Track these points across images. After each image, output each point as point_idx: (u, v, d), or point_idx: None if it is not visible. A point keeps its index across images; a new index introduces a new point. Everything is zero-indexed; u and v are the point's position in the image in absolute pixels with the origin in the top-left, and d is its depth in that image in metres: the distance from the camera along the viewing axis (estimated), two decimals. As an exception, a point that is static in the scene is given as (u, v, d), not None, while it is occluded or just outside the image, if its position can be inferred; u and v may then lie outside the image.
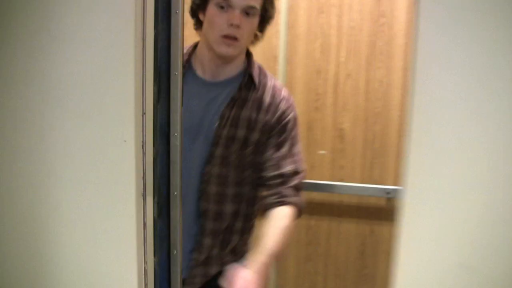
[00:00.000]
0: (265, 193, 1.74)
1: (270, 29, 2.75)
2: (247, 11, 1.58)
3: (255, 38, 1.75)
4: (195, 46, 1.77)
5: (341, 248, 2.85)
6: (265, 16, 1.67)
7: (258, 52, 2.79)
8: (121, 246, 1.24)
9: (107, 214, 1.25)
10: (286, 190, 1.72)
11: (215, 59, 1.69)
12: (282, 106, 1.73)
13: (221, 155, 1.68)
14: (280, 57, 2.79)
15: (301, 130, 2.80)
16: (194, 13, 1.69)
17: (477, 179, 1.05)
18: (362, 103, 2.71)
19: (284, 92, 1.77)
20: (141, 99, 1.20)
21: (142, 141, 1.22)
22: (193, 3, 1.67)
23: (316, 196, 2.84)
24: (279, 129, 1.72)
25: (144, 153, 1.22)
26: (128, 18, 1.16)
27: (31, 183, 1.28)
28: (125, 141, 1.20)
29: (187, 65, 1.71)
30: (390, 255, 2.46)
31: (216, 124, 1.67)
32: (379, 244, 2.76)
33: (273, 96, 1.73)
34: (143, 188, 1.24)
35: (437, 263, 1.09)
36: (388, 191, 2.67)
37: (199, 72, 1.71)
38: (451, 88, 1.04)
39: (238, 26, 1.57)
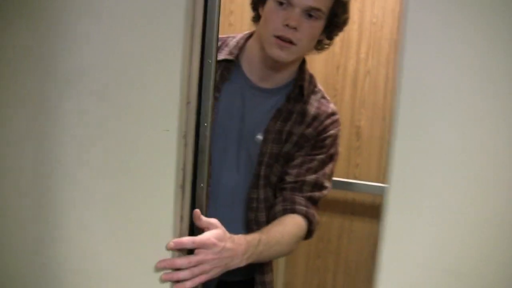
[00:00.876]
0: (277, 199, 1.53)
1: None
2: (309, 13, 1.38)
3: (319, 45, 1.55)
4: (247, 38, 1.56)
5: (352, 246, 2.81)
6: (334, 21, 1.46)
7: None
8: (157, 240, 1.20)
9: (144, 205, 1.20)
10: (299, 198, 1.49)
11: (266, 61, 1.48)
12: (326, 121, 1.54)
13: (264, 175, 1.51)
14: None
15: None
16: (255, 5, 1.51)
17: (469, 180, 1.00)
18: (380, 101, 2.67)
19: (331, 108, 1.58)
20: (187, 87, 1.16)
21: (185, 131, 1.17)
22: None
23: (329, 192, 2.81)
24: (315, 142, 1.53)
25: (186, 144, 1.18)
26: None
27: (64, 168, 1.23)
28: (168, 130, 1.15)
29: (236, 60, 1.51)
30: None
31: (261, 140, 1.50)
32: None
33: (318, 109, 1.54)
34: (182, 180, 1.19)
35: (422, 267, 1.04)
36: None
37: (246, 70, 1.51)
38: (441, 83, 0.99)
39: (295, 28, 1.37)
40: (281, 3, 1.37)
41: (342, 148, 2.71)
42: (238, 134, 1.49)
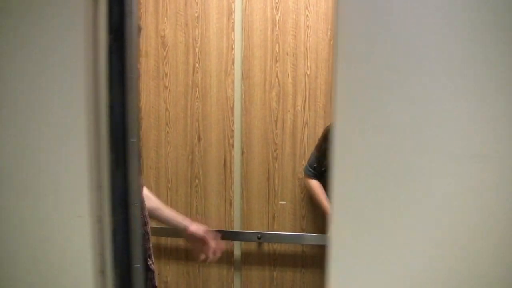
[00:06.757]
0: None
1: (225, 80, 2.75)
2: None
3: None
4: None
5: (306, 300, 2.78)
6: None
7: (214, 103, 2.77)
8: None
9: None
10: None
11: None
12: None
13: None
14: (236, 108, 2.76)
15: (260, 180, 2.77)
16: None
17: (406, 226, 1.01)
18: (321, 151, 2.70)
19: None
20: (97, 170, 1.13)
21: (99, 215, 1.14)
22: None
23: (278, 246, 2.79)
24: None
25: (101, 228, 1.14)
26: (78, 84, 1.10)
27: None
28: (80, 216, 1.12)
29: None
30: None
31: None
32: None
33: None
34: (102, 265, 1.15)
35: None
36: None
37: None
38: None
39: None
40: None
41: (286, 201, 2.76)
42: None
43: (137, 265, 1.27)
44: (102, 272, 1.16)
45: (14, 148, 1.15)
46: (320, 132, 2.68)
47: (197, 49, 2.78)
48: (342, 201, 1.04)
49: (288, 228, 2.77)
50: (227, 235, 2.83)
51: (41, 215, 1.15)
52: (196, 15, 2.78)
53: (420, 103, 0.99)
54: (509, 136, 0.98)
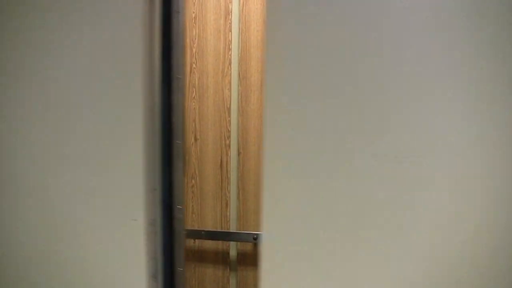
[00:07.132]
0: None
1: (222, 81, 2.75)
2: None
3: None
4: None
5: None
6: None
7: (211, 104, 2.76)
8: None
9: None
10: None
11: None
12: None
13: None
14: (233, 109, 2.75)
15: (257, 181, 2.77)
16: None
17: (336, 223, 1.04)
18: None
19: None
20: (152, 172, 1.12)
21: (152, 219, 1.13)
22: None
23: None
24: None
25: (154, 232, 1.13)
26: (136, 84, 1.08)
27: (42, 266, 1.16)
28: (135, 220, 1.11)
29: None
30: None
31: None
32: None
33: None
34: (154, 269, 1.14)
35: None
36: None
37: None
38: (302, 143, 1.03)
39: None
40: None
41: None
42: None
43: (181, 268, 1.26)
44: (154, 277, 1.15)
45: (71, 150, 1.13)
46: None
47: (194, 49, 2.77)
48: (271, 201, 1.06)
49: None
50: (223, 236, 2.83)
51: (96, 218, 1.13)
52: (193, 15, 2.76)
53: (345, 106, 1.01)
54: (436, 138, 1.01)
